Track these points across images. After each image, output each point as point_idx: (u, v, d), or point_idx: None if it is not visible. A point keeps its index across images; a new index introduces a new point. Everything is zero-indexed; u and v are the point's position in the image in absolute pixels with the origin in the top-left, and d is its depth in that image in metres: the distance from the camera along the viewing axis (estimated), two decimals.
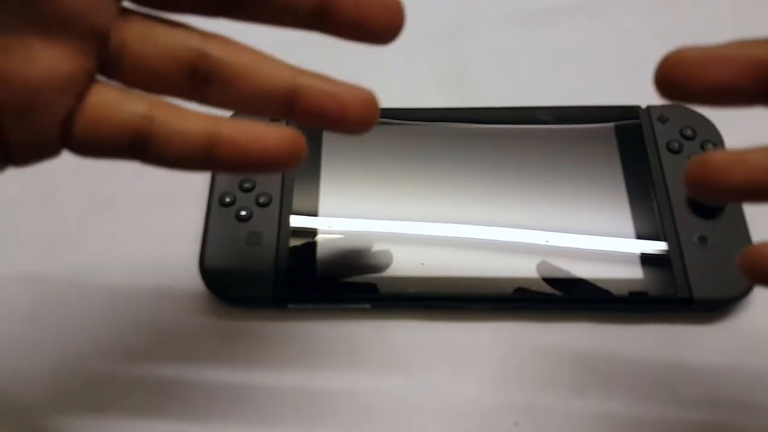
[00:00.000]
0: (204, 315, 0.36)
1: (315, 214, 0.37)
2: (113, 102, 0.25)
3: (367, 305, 0.36)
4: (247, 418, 0.34)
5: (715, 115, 0.40)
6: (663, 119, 0.40)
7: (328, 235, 0.36)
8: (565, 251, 0.36)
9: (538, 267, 0.36)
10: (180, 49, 0.26)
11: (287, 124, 0.28)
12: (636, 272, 0.35)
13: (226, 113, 0.28)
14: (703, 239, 0.36)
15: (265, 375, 0.35)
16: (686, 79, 0.22)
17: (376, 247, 0.36)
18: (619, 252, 0.36)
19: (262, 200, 0.37)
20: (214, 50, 0.26)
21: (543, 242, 0.36)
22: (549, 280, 0.35)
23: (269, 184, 0.38)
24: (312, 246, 0.36)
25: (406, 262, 0.36)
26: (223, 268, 0.35)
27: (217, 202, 0.37)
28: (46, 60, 0.24)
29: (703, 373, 0.35)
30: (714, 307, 0.36)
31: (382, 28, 0.26)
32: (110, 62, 0.25)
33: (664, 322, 0.36)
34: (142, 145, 0.26)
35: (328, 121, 0.27)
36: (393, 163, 0.39)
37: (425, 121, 0.40)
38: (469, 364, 0.35)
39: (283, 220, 0.37)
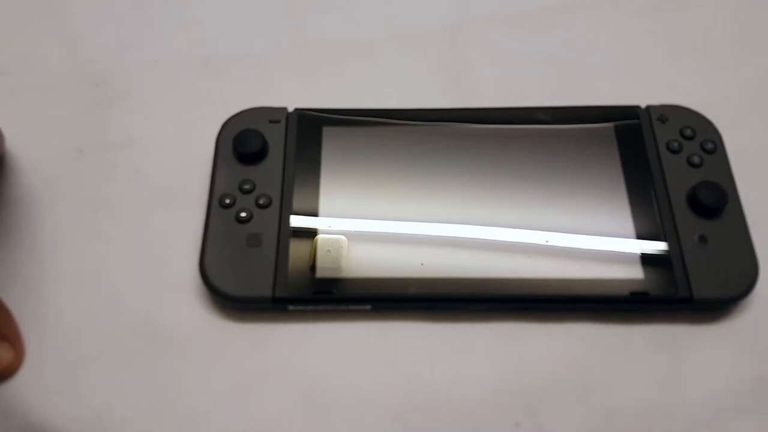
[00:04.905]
0: (204, 316, 0.36)
1: (315, 214, 0.37)
2: None
3: (368, 306, 0.36)
4: (247, 419, 0.34)
5: (715, 115, 0.40)
6: (663, 119, 0.40)
7: (329, 236, 0.36)
8: (566, 251, 0.36)
9: (538, 266, 0.36)
10: None
11: None
12: (636, 272, 0.35)
13: None
14: (703, 239, 0.36)
15: (265, 377, 0.35)
16: None
17: (377, 247, 0.36)
18: (620, 252, 0.36)
19: (262, 202, 0.37)
20: None
21: (543, 242, 0.36)
22: (549, 280, 0.35)
23: (269, 185, 0.38)
24: (312, 247, 0.36)
25: (406, 263, 0.36)
26: (223, 270, 0.35)
27: (216, 204, 0.37)
28: None
29: (703, 373, 0.35)
30: (714, 307, 0.36)
31: None
32: None
33: (664, 322, 0.36)
34: None
35: None
36: (393, 163, 0.39)
37: (425, 121, 0.40)
38: (470, 365, 0.35)
39: (283, 221, 0.37)
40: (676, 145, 0.39)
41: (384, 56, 0.45)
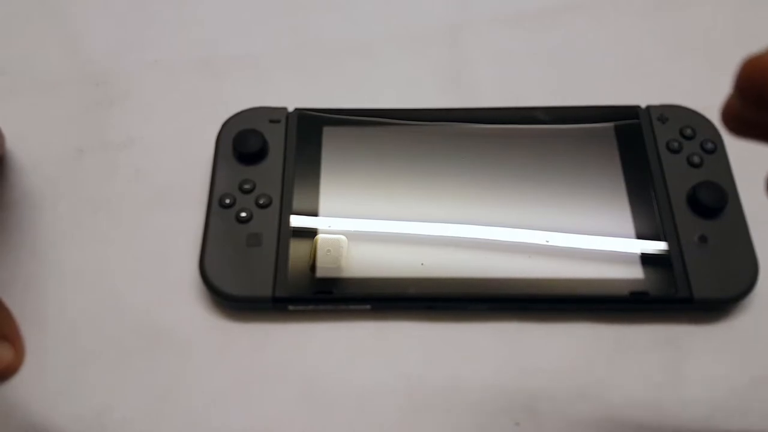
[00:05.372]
0: (204, 316, 0.36)
1: (315, 214, 0.37)
2: None
3: (368, 306, 0.36)
4: (247, 419, 0.34)
5: (715, 115, 0.40)
6: (663, 119, 0.40)
7: (329, 236, 0.36)
8: (566, 251, 0.36)
9: (538, 266, 0.36)
10: None
11: None
12: (636, 272, 0.35)
13: None
14: (703, 239, 0.36)
15: (265, 377, 0.35)
16: None
17: (377, 247, 0.36)
18: (620, 252, 0.36)
19: (262, 201, 0.37)
20: None
21: (543, 242, 0.36)
22: (549, 280, 0.35)
23: (269, 185, 0.38)
24: (312, 247, 0.36)
25: (406, 263, 0.36)
26: (223, 270, 0.35)
27: (216, 204, 0.37)
28: None
29: (703, 373, 0.35)
30: (714, 307, 0.36)
31: None
32: None
33: (664, 322, 0.36)
34: None
35: None
36: (393, 163, 0.39)
37: (425, 121, 0.40)
38: (470, 365, 0.35)
39: (283, 220, 0.37)
40: (676, 145, 0.39)
41: (384, 56, 0.45)
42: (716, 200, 0.37)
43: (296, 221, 0.37)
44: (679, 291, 0.35)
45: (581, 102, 0.41)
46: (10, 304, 0.36)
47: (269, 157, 0.39)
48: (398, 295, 0.35)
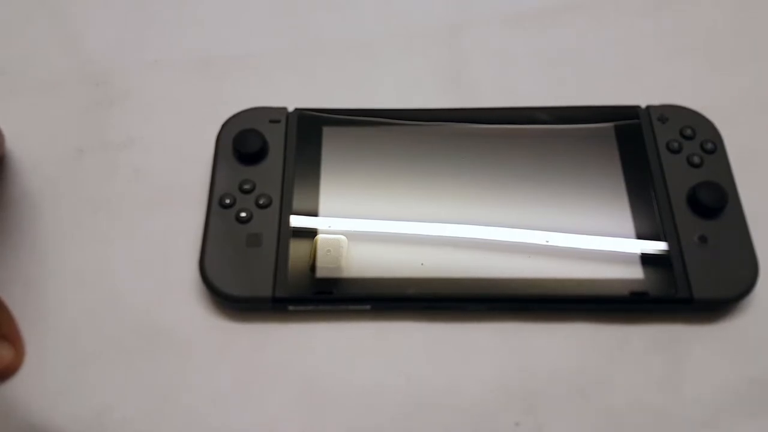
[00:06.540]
0: (204, 316, 0.36)
1: (315, 214, 0.37)
2: None
3: (368, 306, 0.36)
4: (247, 419, 0.34)
5: (715, 114, 0.40)
6: (663, 119, 0.40)
7: (329, 236, 0.36)
8: (566, 251, 0.36)
9: (538, 266, 0.36)
10: None
11: None
12: (636, 272, 0.35)
13: None
14: (703, 239, 0.36)
15: (265, 377, 0.35)
16: None
17: (377, 247, 0.36)
18: (620, 252, 0.36)
19: (262, 201, 0.37)
20: None
21: (543, 242, 0.36)
22: (549, 280, 0.35)
23: (269, 185, 0.38)
24: (312, 247, 0.36)
25: (406, 263, 0.36)
26: (223, 270, 0.35)
27: (216, 204, 0.37)
28: None
29: (702, 373, 0.35)
30: (714, 307, 0.36)
31: None
32: None
33: (664, 322, 0.36)
34: None
35: None
36: (393, 163, 0.39)
37: (425, 121, 0.40)
38: (470, 365, 0.35)
39: (283, 221, 0.37)
40: (676, 145, 0.39)
41: (384, 56, 0.45)
42: (716, 200, 0.37)
43: (296, 221, 0.37)
44: (679, 291, 0.35)
45: (581, 102, 0.41)
46: (10, 303, 0.35)
47: (269, 157, 0.39)
48: (398, 295, 0.35)
